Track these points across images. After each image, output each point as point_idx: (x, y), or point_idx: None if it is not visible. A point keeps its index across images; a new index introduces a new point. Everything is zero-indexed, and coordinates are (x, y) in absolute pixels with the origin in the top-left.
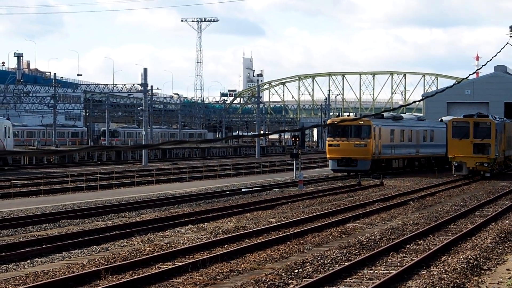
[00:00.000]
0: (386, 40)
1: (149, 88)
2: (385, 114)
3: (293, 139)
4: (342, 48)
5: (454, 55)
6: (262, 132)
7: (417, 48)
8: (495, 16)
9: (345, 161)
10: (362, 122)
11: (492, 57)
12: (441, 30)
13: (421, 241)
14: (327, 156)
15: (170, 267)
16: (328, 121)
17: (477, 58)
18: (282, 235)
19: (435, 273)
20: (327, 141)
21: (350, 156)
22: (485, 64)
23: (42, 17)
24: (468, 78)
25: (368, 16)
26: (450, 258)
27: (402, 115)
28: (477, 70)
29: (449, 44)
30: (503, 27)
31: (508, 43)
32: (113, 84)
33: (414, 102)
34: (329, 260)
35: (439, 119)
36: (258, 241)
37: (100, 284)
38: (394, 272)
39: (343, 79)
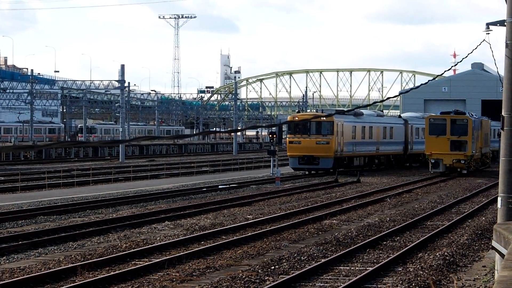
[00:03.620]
0: (363, 37)
1: (126, 84)
2: (346, 110)
3: (270, 135)
4: (319, 45)
5: (431, 52)
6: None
7: (394, 45)
8: (471, 14)
9: (307, 159)
10: (324, 118)
11: (468, 54)
12: (417, 27)
13: (398, 237)
14: (287, 153)
15: (146, 263)
16: (288, 117)
17: (455, 56)
18: (259, 231)
19: (411, 270)
20: (287, 138)
21: (312, 153)
22: (460, 61)
23: (17, 13)
24: (444, 75)
25: (343, 13)
26: (426, 254)
27: (362, 111)
28: (452, 67)
29: (426, 42)
30: (479, 24)
31: (484, 40)
32: (90, 80)
33: (389, 98)
34: (305, 257)
35: (398, 115)
36: (235, 237)
37: (76, 281)
38: (371, 268)
39: (320, 76)
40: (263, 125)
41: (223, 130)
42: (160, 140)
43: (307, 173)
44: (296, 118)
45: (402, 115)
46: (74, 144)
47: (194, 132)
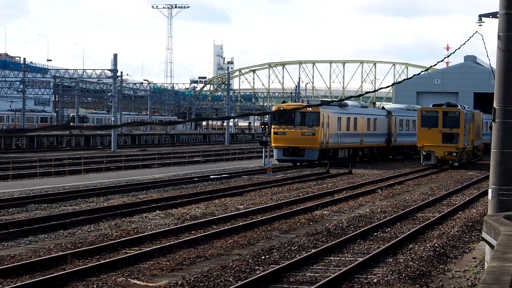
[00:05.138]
0: (356, 29)
1: (118, 74)
2: (327, 100)
3: (262, 126)
4: (312, 37)
5: (423, 45)
6: (231, 120)
7: (387, 38)
8: (463, 7)
9: (292, 151)
10: (310, 108)
11: (461, 45)
12: (409, 20)
13: (389, 229)
14: (272, 145)
15: (136, 252)
16: (274, 108)
17: (447, 49)
18: (250, 221)
19: (401, 261)
20: (272, 129)
21: (297, 145)
22: (453, 52)
23: (9, 2)
24: (437, 67)
25: (335, 5)
26: (417, 246)
27: (347, 102)
28: (444, 58)
29: (418, 35)
30: (472, 18)
31: (476, 31)
32: (83, 69)
33: (381, 88)
34: (296, 247)
35: (381, 107)
36: (226, 227)
37: (66, 269)
38: (361, 259)
39: (313, 67)
40: (253, 113)
41: (214, 117)
42: (152, 129)
43: (291, 164)
44: (282, 109)
45: (385, 106)
46: (58, 127)
47: (187, 123)
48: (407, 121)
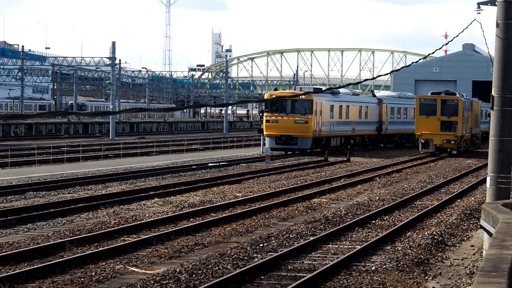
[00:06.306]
0: (354, 17)
1: (117, 62)
2: (323, 88)
3: (260, 114)
4: (310, 25)
5: (422, 33)
6: (229, 108)
7: (385, 26)
8: None
9: (284, 139)
10: (303, 96)
11: (459, 33)
12: (407, 7)
13: (387, 217)
14: (264, 133)
15: (135, 239)
16: (266, 95)
17: (446, 37)
18: (248, 209)
19: (399, 249)
20: (264, 117)
21: (290, 133)
22: (451, 40)
23: None
24: (435, 55)
25: None
26: (415, 234)
27: (339, 89)
28: (442, 45)
29: (417, 23)
30: (471, 5)
31: (475, 19)
32: (81, 57)
33: (380, 76)
34: (294, 235)
35: (372, 94)
36: (224, 215)
37: (64, 256)
38: (359, 247)
39: (311, 55)
40: (249, 100)
41: (212, 103)
42: (151, 117)
43: (283, 153)
44: (274, 96)
45: (376, 94)
46: (56, 113)
47: (185, 111)
48: (399, 109)
